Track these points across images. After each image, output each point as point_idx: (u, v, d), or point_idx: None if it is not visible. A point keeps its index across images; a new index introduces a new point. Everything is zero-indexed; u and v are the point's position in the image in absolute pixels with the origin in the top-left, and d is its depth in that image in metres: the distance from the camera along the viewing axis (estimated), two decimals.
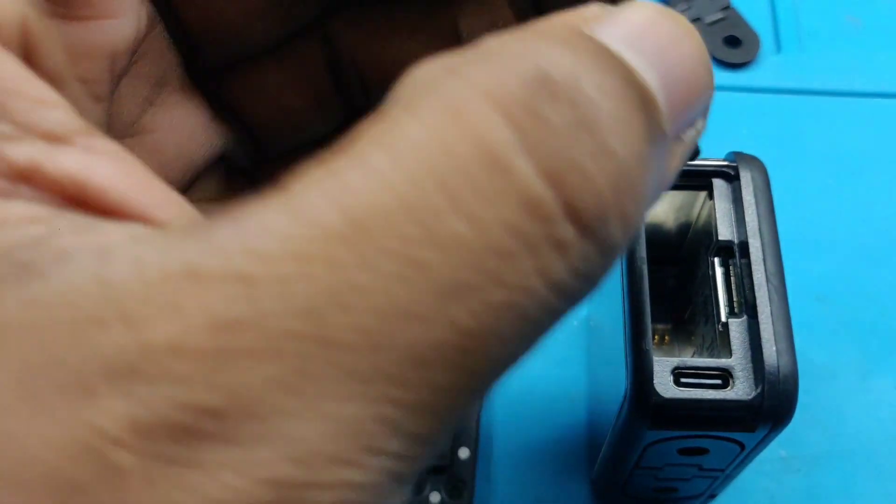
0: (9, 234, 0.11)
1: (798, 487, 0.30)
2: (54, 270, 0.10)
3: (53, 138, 0.12)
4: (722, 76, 0.41)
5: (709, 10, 0.42)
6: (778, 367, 0.20)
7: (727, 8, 0.42)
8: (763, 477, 0.30)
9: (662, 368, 0.20)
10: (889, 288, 0.34)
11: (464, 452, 0.28)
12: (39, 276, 0.10)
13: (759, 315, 0.21)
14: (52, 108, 0.12)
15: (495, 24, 0.16)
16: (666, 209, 0.26)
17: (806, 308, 0.33)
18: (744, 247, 0.22)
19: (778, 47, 0.42)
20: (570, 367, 0.31)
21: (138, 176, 0.12)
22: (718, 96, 0.45)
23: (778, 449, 0.30)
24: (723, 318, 0.22)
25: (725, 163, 0.24)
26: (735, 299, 0.22)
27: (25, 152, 0.12)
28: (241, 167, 0.18)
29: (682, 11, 0.42)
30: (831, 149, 0.38)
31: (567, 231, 0.10)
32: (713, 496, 0.29)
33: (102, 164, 0.12)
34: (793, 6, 0.43)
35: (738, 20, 0.42)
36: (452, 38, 0.16)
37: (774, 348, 0.20)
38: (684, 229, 0.26)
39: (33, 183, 0.12)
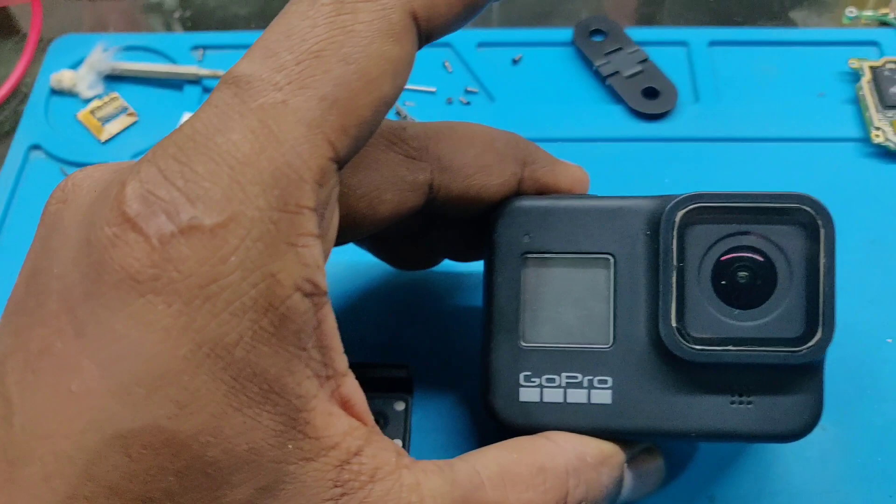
0: (348, 443, 0.19)
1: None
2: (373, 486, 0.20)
3: (346, 374, 0.20)
4: (642, 127, 0.41)
5: (627, 63, 0.43)
6: None
7: (645, 61, 0.43)
8: None
9: None
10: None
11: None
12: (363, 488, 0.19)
13: None
14: (342, 354, 0.20)
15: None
16: None
17: None
18: None
19: (696, 97, 0.42)
20: None
21: (360, 394, 0.20)
22: (640, 146, 0.44)
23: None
24: None
25: None
26: None
27: (348, 388, 0.20)
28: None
29: (602, 66, 0.43)
30: None
31: None
32: None
33: (357, 387, 0.20)
34: (709, 58, 0.43)
35: (656, 72, 0.43)
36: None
37: None
38: None
39: (347, 407, 0.20)
